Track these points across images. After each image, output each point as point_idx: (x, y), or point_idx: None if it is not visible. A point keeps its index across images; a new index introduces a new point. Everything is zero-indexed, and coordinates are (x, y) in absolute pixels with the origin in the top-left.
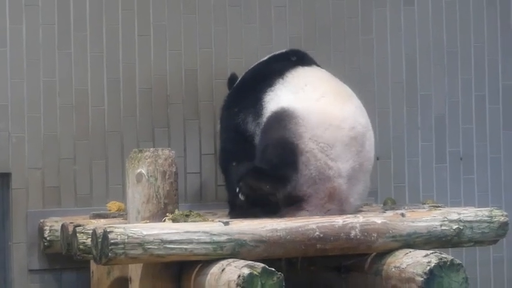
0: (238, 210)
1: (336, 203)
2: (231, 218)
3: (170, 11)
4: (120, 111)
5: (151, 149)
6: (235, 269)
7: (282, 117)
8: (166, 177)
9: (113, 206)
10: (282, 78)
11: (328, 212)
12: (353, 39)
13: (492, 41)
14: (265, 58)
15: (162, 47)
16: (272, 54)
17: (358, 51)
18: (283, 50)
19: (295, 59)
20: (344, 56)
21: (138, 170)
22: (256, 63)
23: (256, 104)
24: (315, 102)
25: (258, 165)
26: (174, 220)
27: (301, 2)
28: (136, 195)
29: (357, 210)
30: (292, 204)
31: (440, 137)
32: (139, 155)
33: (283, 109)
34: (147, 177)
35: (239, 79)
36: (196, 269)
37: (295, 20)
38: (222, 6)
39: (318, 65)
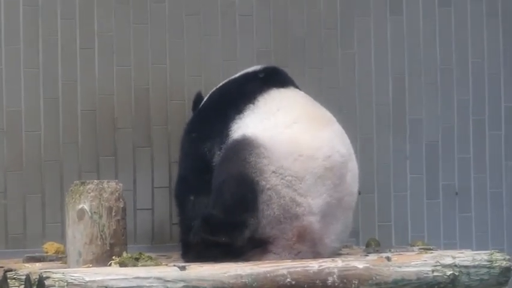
0: (193, 252)
1: (308, 244)
2: (186, 260)
3: (118, 20)
4: (59, 136)
5: (95, 181)
6: None
7: (242, 147)
8: (113, 214)
9: (50, 247)
10: (253, 103)
11: (298, 255)
12: (331, 53)
13: (493, 57)
14: (237, 76)
15: (109, 61)
16: (245, 71)
17: (337, 68)
18: (257, 67)
19: (270, 78)
20: (321, 74)
21: (80, 206)
22: (227, 81)
23: (223, 133)
24: (285, 128)
25: (208, 214)
26: (122, 264)
27: (270, 10)
28: (77, 234)
29: (334, 253)
30: (257, 246)
31: (433, 168)
32: (81, 188)
33: (244, 137)
34: (90, 214)
35: (206, 99)
36: None
37: (264, 31)
38: (178, 14)
39: (296, 86)
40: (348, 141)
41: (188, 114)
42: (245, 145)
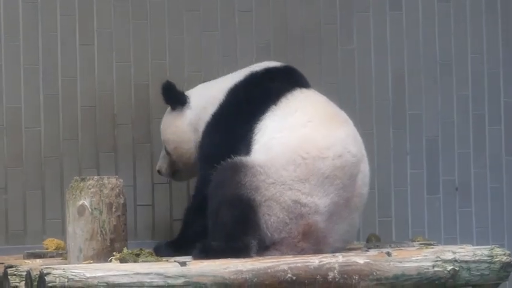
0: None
1: (312, 242)
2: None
3: (117, 16)
4: (59, 133)
5: (95, 177)
6: None
7: (237, 169)
8: (113, 209)
9: (50, 243)
10: (276, 104)
11: (301, 252)
12: (330, 49)
13: (492, 52)
14: (259, 70)
15: (108, 57)
16: (266, 66)
17: (336, 64)
18: (277, 64)
19: (292, 78)
20: (320, 69)
21: (80, 202)
22: (248, 74)
23: (247, 134)
24: (299, 128)
25: (207, 246)
26: (122, 260)
27: (269, 6)
28: (78, 231)
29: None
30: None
31: (433, 164)
32: (82, 184)
33: (239, 160)
34: (90, 210)
35: (228, 96)
36: None
37: (263, 27)
38: (178, 10)
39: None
40: (361, 142)
41: None
42: (240, 167)
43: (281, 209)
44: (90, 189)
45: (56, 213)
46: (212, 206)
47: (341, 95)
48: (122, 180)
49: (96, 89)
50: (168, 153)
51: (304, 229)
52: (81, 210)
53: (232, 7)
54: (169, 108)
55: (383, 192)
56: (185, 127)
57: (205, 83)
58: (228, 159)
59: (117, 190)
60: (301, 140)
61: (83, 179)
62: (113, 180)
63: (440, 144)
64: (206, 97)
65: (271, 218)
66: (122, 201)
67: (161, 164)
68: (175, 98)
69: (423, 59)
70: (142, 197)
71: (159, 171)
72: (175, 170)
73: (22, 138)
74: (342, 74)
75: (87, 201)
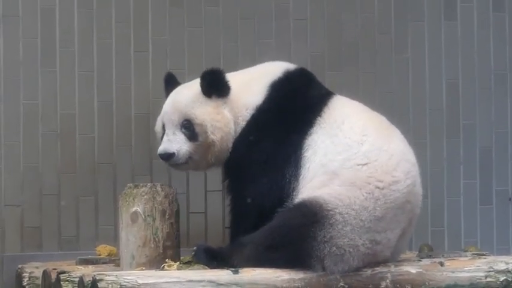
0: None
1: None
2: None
3: (172, 24)
4: (113, 139)
5: (148, 184)
6: None
7: (315, 220)
8: (166, 217)
9: (103, 250)
10: (320, 115)
11: None
12: (385, 58)
13: None
14: (295, 72)
15: (163, 65)
16: (299, 68)
17: (390, 73)
18: (291, 67)
19: (318, 83)
20: (375, 78)
21: (133, 209)
22: (286, 76)
23: (296, 150)
24: (357, 146)
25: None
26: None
27: (324, 15)
28: (130, 237)
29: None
30: None
31: (486, 174)
32: (135, 191)
33: (320, 207)
34: (143, 216)
35: (272, 97)
36: None
37: (318, 35)
38: (233, 18)
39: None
40: (406, 140)
41: None
42: (320, 218)
43: (354, 254)
44: (143, 196)
45: (109, 219)
46: (268, 240)
47: (395, 104)
48: (175, 188)
49: (150, 96)
50: (197, 139)
51: (372, 264)
52: (134, 217)
53: (287, 16)
54: (197, 91)
55: (436, 202)
56: (230, 118)
57: (240, 75)
58: (308, 201)
59: (170, 197)
60: (369, 164)
61: (136, 186)
62: (166, 187)
63: (493, 154)
64: (247, 93)
65: (339, 265)
66: (175, 209)
67: (178, 147)
68: (221, 87)
69: (477, 69)
70: (195, 204)
71: (169, 156)
72: (192, 157)
73: (76, 145)
74: (396, 83)
75: (140, 208)
